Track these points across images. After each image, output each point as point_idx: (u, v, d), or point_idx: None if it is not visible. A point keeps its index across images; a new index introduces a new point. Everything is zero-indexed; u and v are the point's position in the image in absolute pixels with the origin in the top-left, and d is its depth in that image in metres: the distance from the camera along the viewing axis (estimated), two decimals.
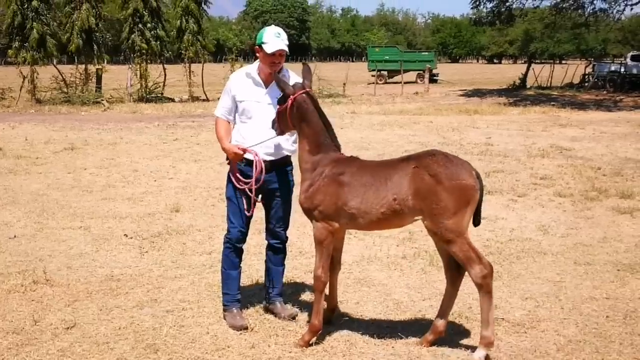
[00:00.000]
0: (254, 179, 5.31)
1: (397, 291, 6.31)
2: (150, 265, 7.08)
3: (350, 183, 4.83)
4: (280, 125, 5.17)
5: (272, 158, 5.40)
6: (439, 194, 4.55)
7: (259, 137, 5.30)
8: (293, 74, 5.43)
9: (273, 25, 5.35)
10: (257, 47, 5.25)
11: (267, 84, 5.36)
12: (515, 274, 6.79)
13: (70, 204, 9.87)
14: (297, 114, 5.02)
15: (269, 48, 5.15)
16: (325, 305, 5.41)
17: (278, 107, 5.14)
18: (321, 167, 4.98)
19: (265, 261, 5.78)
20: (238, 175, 5.40)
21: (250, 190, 5.35)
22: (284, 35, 5.23)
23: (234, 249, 5.55)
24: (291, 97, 5.01)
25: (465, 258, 4.65)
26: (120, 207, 9.74)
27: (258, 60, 5.40)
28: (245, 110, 5.37)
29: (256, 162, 5.30)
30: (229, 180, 5.50)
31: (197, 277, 6.67)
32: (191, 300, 6.04)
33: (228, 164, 5.51)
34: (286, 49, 5.21)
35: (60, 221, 8.89)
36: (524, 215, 9.26)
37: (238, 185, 5.40)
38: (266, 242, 5.74)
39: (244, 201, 5.42)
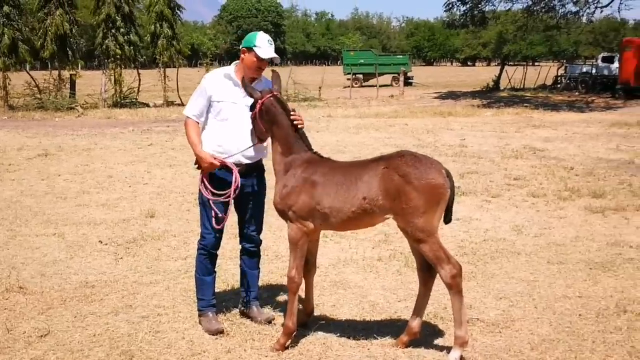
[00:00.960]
0: (232, 191, 5.27)
1: (372, 293, 6.32)
2: (125, 272, 7.02)
3: (323, 183, 4.87)
4: (256, 132, 5.19)
5: (249, 161, 5.39)
6: (409, 194, 4.59)
7: (236, 138, 5.28)
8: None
9: (262, 32, 5.35)
10: (244, 49, 5.24)
11: None
12: (489, 274, 6.84)
13: (44, 211, 9.76)
14: (267, 117, 5.09)
15: (263, 53, 5.16)
16: (300, 307, 5.42)
17: (251, 114, 5.17)
18: (294, 168, 5.02)
19: (240, 265, 5.75)
20: (207, 184, 5.34)
21: (221, 204, 5.33)
22: (273, 44, 5.28)
23: (208, 255, 5.51)
24: (259, 101, 5.07)
25: (435, 258, 4.69)
26: (95, 214, 9.65)
27: (235, 62, 5.42)
28: (222, 111, 5.31)
29: (235, 177, 5.26)
30: (201, 185, 5.41)
31: (172, 283, 6.63)
32: (166, 305, 6.00)
33: (197, 168, 5.43)
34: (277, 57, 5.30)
35: (34, 228, 8.79)
36: (498, 216, 9.34)
37: (207, 196, 5.34)
38: (240, 246, 5.73)
39: (214, 212, 5.37)
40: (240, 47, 5.31)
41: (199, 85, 5.42)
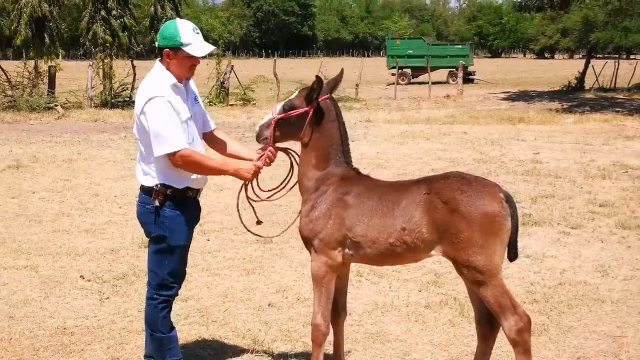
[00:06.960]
0: (290, 175, 5.51)
1: (418, 349, 6.33)
2: (112, 315, 7.11)
3: (356, 205, 4.94)
4: (285, 130, 5.23)
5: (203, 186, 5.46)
6: (457, 225, 4.63)
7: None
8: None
9: (179, 19, 5.21)
10: (168, 50, 5.01)
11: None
12: (565, 327, 6.81)
13: (14, 238, 9.91)
14: (316, 120, 5.17)
15: (197, 51, 5.01)
16: None
17: (283, 114, 5.20)
18: (325, 185, 5.11)
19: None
20: (257, 185, 5.46)
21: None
22: (200, 32, 5.16)
23: (170, 307, 5.48)
24: (320, 99, 5.16)
25: (498, 305, 4.69)
26: (76, 242, 9.77)
27: (158, 66, 5.16)
28: (189, 131, 5.18)
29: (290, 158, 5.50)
30: (180, 225, 5.43)
31: None
32: None
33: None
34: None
35: (1, 259, 8.92)
36: (578, 252, 9.27)
37: (259, 199, 5.45)
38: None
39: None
40: (159, 45, 5.08)
41: (156, 107, 4.98)
